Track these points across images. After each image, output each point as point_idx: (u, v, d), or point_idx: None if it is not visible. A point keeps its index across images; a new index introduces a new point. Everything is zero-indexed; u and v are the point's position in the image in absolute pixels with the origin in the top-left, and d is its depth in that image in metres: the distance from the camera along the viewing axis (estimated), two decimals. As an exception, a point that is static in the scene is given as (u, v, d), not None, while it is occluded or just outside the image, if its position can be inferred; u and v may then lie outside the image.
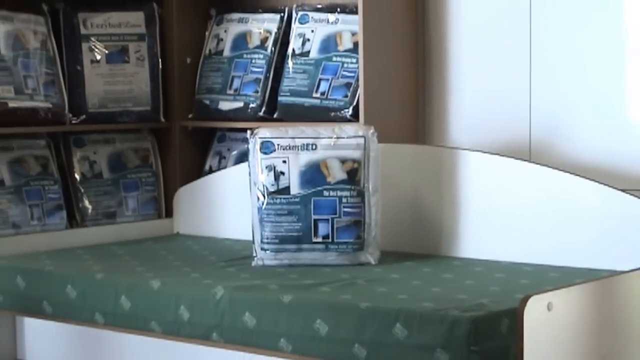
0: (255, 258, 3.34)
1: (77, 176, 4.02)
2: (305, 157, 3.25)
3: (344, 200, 3.24)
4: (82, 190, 4.01)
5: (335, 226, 3.23)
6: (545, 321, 2.41)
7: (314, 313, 2.75)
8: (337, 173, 3.25)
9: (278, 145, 3.28)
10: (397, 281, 3.01)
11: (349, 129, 3.34)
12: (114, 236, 3.97)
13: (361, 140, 3.29)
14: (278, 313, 2.82)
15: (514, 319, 2.41)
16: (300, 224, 3.26)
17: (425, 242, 3.44)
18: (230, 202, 3.93)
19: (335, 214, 3.23)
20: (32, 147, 3.92)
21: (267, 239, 3.29)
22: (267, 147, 3.27)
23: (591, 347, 2.56)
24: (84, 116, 4.00)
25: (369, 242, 3.28)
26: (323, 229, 3.24)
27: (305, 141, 3.21)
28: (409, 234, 3.48)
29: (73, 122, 3.98)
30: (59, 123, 3.93)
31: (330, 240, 3.25)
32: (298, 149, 3.27)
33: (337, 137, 3.28)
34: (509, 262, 3.25)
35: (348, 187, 3.25)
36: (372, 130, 3.32)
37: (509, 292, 2.76)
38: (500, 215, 3.30)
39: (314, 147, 3.23)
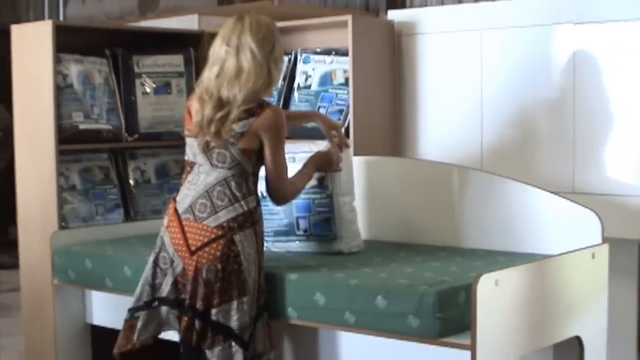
0: (267, 243, 3.28)
1: (131, 182, 4.00)
2: (289, 168, 3.15)
3: (317, 201, 3.16)
4: (135, 192, 4.00)
5: (311, 222, 3.17)
6: (493, 294, 2.41)
7: (314, 288, 2.75)
8: (311, 180, 3.13)
9: None
10: (379, 263, 3.00)
11: (321, 144, 3.23)
12: (159, 228, 3.93)
13: None
14: (286, 288, 2.82)
15: (469, 292, 2.41)
16: (286, 220, 3.20)
17: (402, 232, 3.42)
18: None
19: (311, 212, 3.16)
20: (97, 159, 3.91)
21: (266, 232, 3.24)
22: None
23: (529, 314, 2.56)
24: (136, 135, 3.98)
25: (341, 235, 3.15)
26: (303, 224, 3.17)
27: (287, 155, 3.02)
28: (389, 226, 3.46)
29: (128, 140, 3.96)
30: (118, 141, 3.92)
31: (309, 233, 3.18)
32: None
33: (311, 152, 3.16)
34: (466, 248, 3.23)
35: (319, 191, 3.15)
36: None
37: (466, 272, 2.77)
38: (459, 210, 3.28)
39: (293, 159, 3.13)
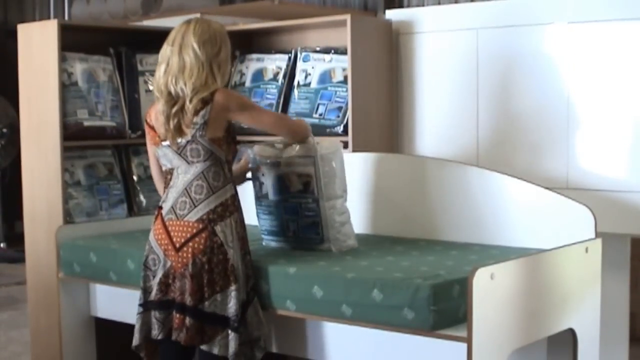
0: (264, 240, 3.29)
1: (134, 177, 4.00)
2: (275, 171, 3.13)
3: (303, 205, 3.11)
4: (138, 188, 3.99)
5: (299, 225, 3.13)
6: (489, 287, 2.41)
7: (312, 281, 2.75)
8: (296, 184, 3.11)
9: (260, 160, 3.16)
10: (376, 257, 2.99)
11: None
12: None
13: (310, 160, 3.08)
14: (285, 281, 2.82)
15: (465, 285, 2.41)
16: (277, 222, 3.18)
17: (398, 227, 3.41)
18: (249, 195, 3.91)
19: (298, 215, 3.12)
20: (101, 155, 3.91)
21: (261, 230, 3.25)
22: (254, 162, 3.17)
23: (523, 307, 2.56)
24: (139, 132, 3.96)
25: (328, 237, 3.09)
26: (292, 226, 3.14)
27: (273, 160, 3.04)
28: (386, 221, 3.45)
29: (132, 136, 3.96)
30: (121, 137, 3.92)
31: (297, 235, 3.15)
32: (270, 165, 3.13)
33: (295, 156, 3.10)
34: (461, 242, 3.22)
35: (304, 195, 3.10)
36: (320, 152, 3.07)
37: (461, 266, 2.76)
38: (455, 205, 3.27)
39: (278, 164, 3.11)
